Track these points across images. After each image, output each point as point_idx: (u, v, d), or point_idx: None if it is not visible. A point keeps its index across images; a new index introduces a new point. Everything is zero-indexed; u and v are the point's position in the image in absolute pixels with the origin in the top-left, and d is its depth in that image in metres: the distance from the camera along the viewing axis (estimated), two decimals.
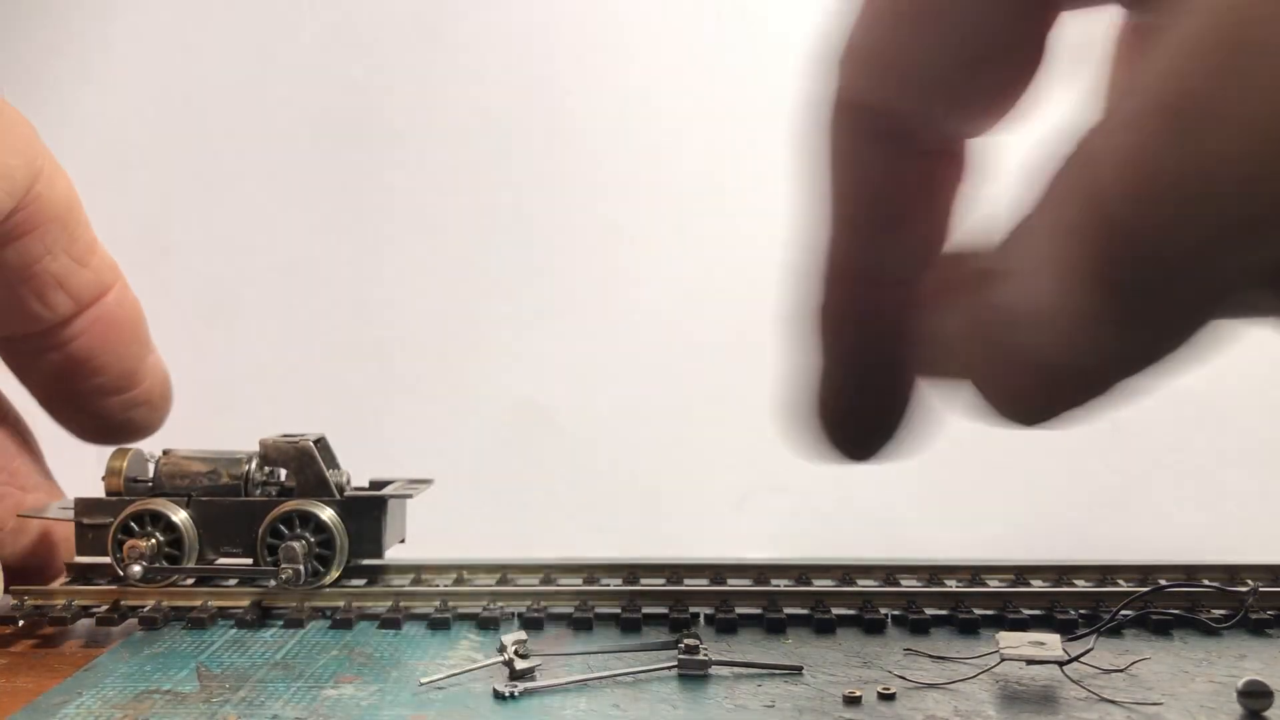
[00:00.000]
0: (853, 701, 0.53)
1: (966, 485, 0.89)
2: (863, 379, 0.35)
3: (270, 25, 0.90)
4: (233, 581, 0.69)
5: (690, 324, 0.89)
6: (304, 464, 0.69)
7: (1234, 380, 0.90)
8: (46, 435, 0.84)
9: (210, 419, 0.90)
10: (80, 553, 0.68)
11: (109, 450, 0.69)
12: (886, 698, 0.53)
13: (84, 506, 0.68)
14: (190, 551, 0.67)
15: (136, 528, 0.67)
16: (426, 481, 0.73)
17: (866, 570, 0.72)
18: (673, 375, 0.90)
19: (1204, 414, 0.89)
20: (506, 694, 0.53)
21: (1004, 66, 0.31)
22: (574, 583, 0.70)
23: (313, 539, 0.67)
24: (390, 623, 0.65)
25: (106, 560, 0.67)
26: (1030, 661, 0.56)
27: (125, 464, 0.69)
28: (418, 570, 0.72)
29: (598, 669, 0.57)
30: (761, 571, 0.72)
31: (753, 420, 0.90)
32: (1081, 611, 0.66)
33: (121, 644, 0.62)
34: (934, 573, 0.71)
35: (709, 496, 0.89)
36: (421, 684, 0.55)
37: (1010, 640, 0.57)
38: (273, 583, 0.67)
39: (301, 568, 0.66)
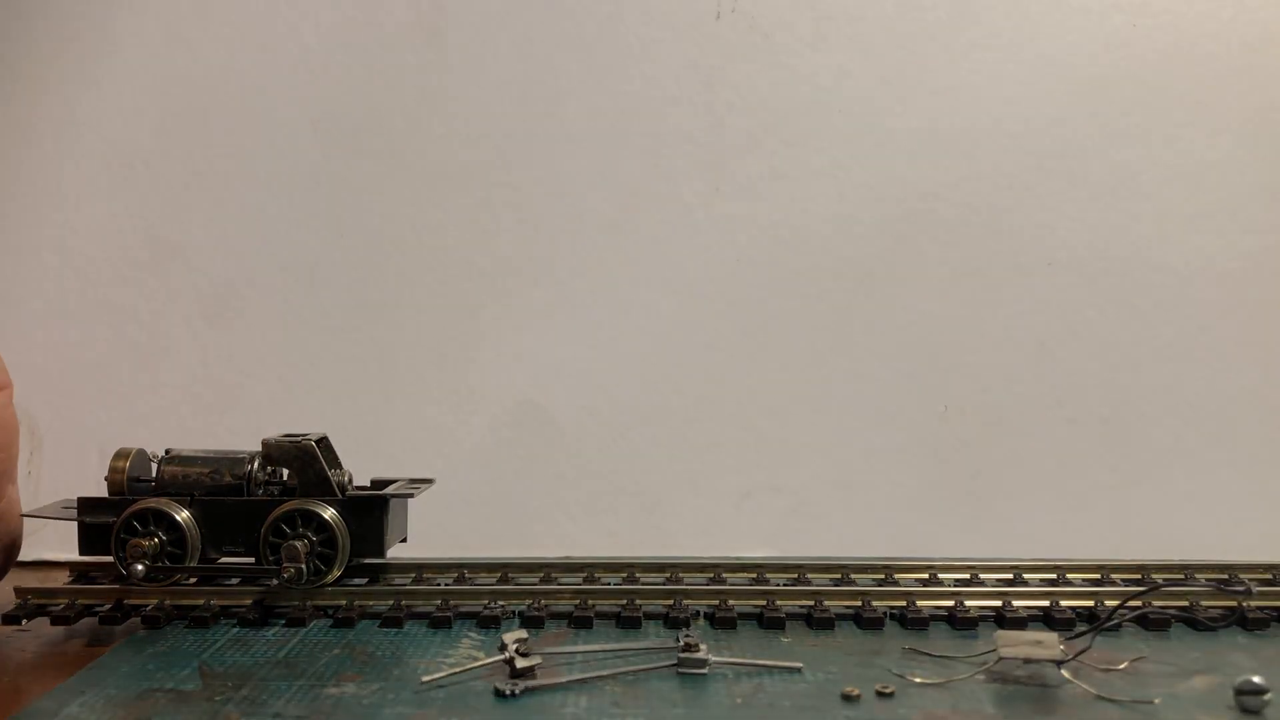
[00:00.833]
0: (851, 699, 0.53)
1: (970, 485, 0.89)
2: None
3: (271, 25, 0.90)
4: (235, 580, 0.69)
5: (690, 324, 0.90)
6: (306, 463, 0.69)
7: (1233, 380, 0.90)
8: (48, 433, 0.84)
9: (212, 419, 0.90)
10: (83, 552, 0.68)
11: (112, 449, 0.69)
12: (885, 695, 0.54)
13: (87, 506, 0.68)
14: (193, 551, 0.68)
15: (139, 527, 0.67)
16: (428, 481, 0.73)
17: (865, 569, 0.72)
18: (673, 375, 0.90)
19: (1204, 414, 0.90)
20: (507, 692, 0.53)
21: None
22: (574, 581, 0.70)
23: (315, 538, 0.67)
24: (392, 621, 0.66)
25: (109, 559, 0.68)
26: (1028, 660, 0.56)
27: (128, 463, 0.69)
28: (419, 569, 0.72)
29: (598, 667, 0.57)
30: (760, 570, 0.72)
31: (753, 420, 0.92)
32: (1080, 608, 0.66)
33: (124, 643, 0.62)
34: (932, 572, 0.71)
35: (709, 496, 0.90)
36: (423, 682, 0.55)
37: (1008, 639, 0.57)
38: (275, 582, 0.68)
39: (303, 567, 0.66)
